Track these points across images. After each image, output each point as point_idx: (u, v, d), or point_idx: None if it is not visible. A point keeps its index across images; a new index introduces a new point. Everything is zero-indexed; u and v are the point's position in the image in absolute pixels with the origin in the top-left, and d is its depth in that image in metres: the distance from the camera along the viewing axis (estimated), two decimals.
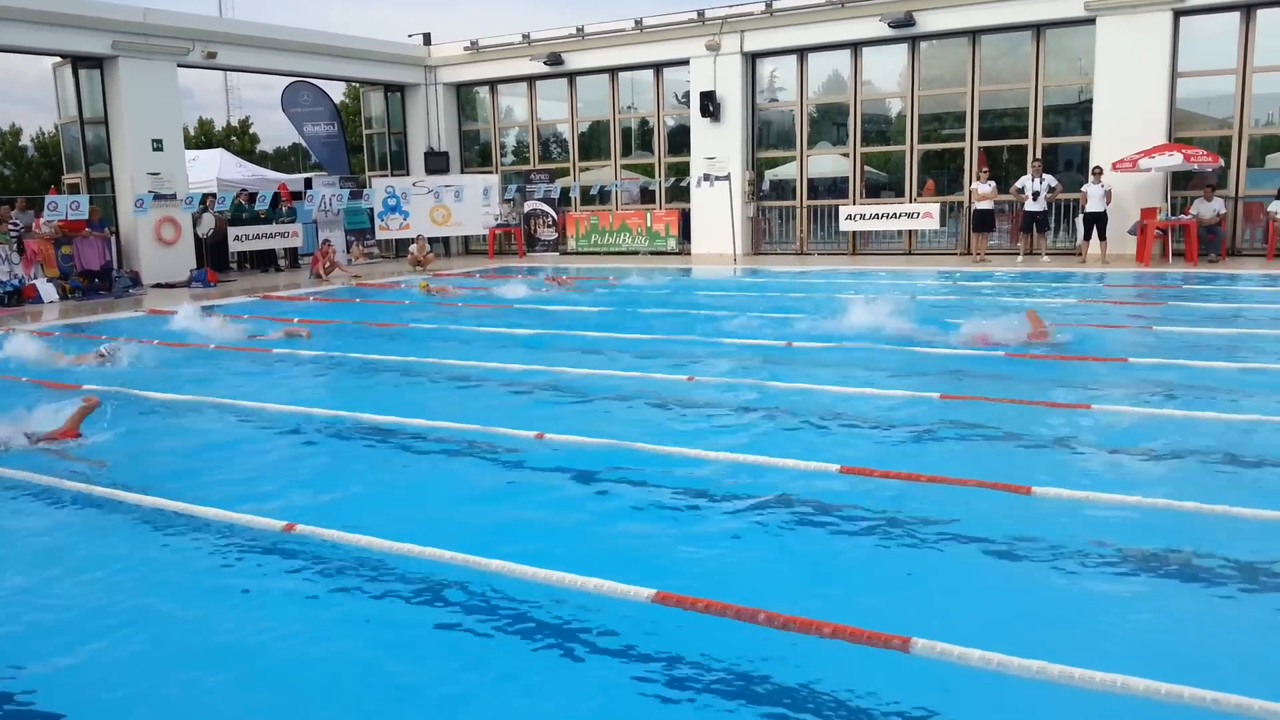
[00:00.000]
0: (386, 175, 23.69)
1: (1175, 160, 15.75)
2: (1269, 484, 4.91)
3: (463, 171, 24.12)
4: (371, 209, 21.98)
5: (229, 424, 6.71)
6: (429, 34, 23.91)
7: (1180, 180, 17.05)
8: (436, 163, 23.58)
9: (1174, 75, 16.86)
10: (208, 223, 18.84)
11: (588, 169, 23.40)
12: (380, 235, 22.77)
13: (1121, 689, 2.83)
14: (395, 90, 24.02)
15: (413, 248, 20.09)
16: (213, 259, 19.15)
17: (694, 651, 3.23)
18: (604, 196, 22.45)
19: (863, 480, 5.04)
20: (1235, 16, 16.48)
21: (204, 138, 45.31)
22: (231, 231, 19.41)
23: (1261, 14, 16.34)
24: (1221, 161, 16.38)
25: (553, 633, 3.42)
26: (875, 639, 3.16)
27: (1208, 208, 16.17)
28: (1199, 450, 5.45)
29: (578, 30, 21.89)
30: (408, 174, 23.94)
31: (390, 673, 3.22)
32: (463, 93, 24.56)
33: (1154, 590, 3.73)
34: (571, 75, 22.79)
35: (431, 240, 21.59)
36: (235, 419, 6.83)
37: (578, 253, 22.47)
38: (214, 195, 19.19)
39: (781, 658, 3.17)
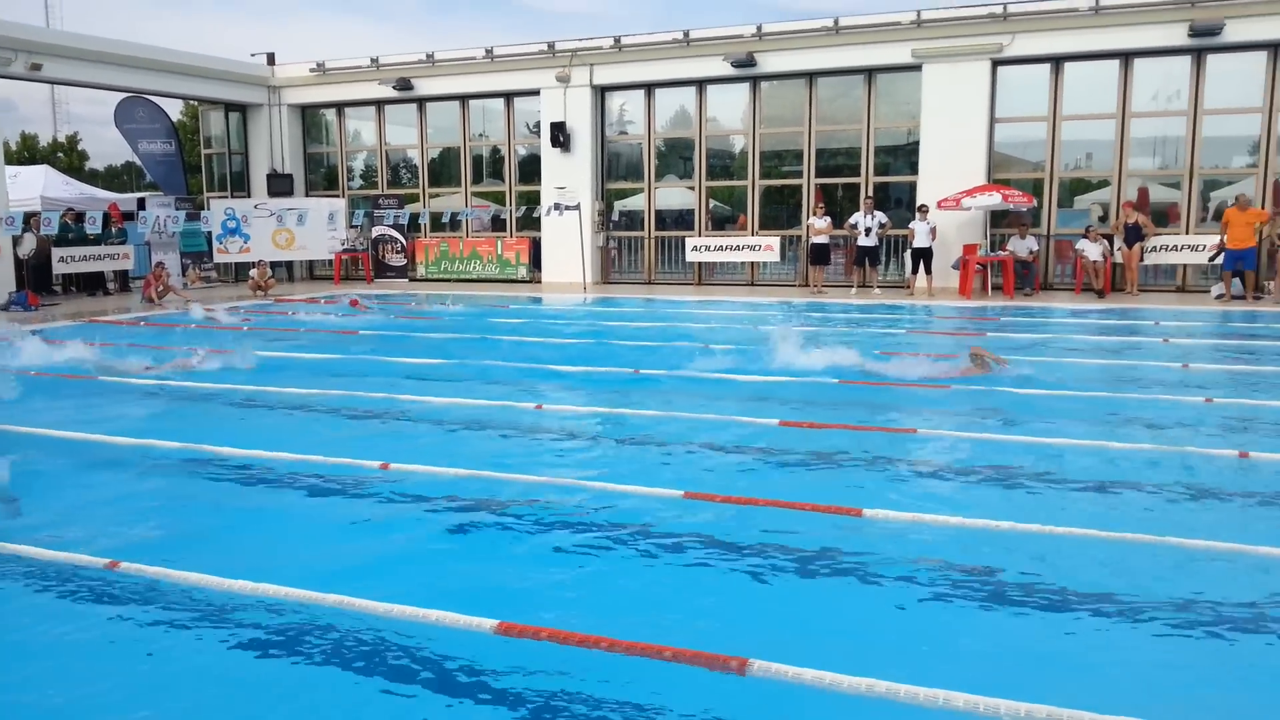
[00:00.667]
0: (226, 197, 22.85)
1: (994, 200, 16.88)
2: (1076, 504, 5.32)
3: (308, 195, 23.50)
4: (210, 231, 21.14)
5: (44, 455, 6.34)
6: (273, 54, 23.28)
7: (998, 219, 18.27)
8: (280, 185, 22.89)
9: (993, 120, 18.11)
10: (29, 243, 17.72)
11: (438, 195, 23.20)
12: (219, 259, 21.90)
13: (944, 704, 3.02)
14: (237, 109, 23.24)
15: (253, 272, 19.42)
16: (35, 281, 17.98)
17: (539, 682, 3.27)
18: (454, 223, 22.29)
19: (705, 505, 5.20)
20: (1046, 68, 17.85)
21: (27, 153, 42.58)
22: (56, 252, 18.29)
23: (1069, 66, 17.76)
24: (1035, 201, 17.66)
25: (396, 669, 3.40)
26: (714, 661, 3.28)
27: (1023, 245, 17.38)
28: (1016, 472, 5.86)
29: (428, 57, 21.75)
30: (249, 196, 23.15)
31: (225, 715, 3.13)
32: (308, 114, 23.97)
33: (980, 608, 3.96)
34: (421, 101, 22.60)
35: (274, 265, 20.93)
36: (48, 450, 6.46)
37: (427, 279, 22.20)
38: (38, 214, 18.07)
39: (625, 682, 3.25)
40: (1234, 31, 16.26)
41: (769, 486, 5.57)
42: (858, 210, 18.09)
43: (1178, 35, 16.55)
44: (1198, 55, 16.96)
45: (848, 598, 4.10)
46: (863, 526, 4.86)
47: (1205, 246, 16.59)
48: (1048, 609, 3.90)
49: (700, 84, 20.22)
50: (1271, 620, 3.72)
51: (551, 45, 20.61)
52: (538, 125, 21.37)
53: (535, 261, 21.68)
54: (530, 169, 22.05)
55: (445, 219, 21.84)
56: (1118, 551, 4.43)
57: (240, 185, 23.58)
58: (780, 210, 20.72)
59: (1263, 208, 16.26)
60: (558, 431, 7.10)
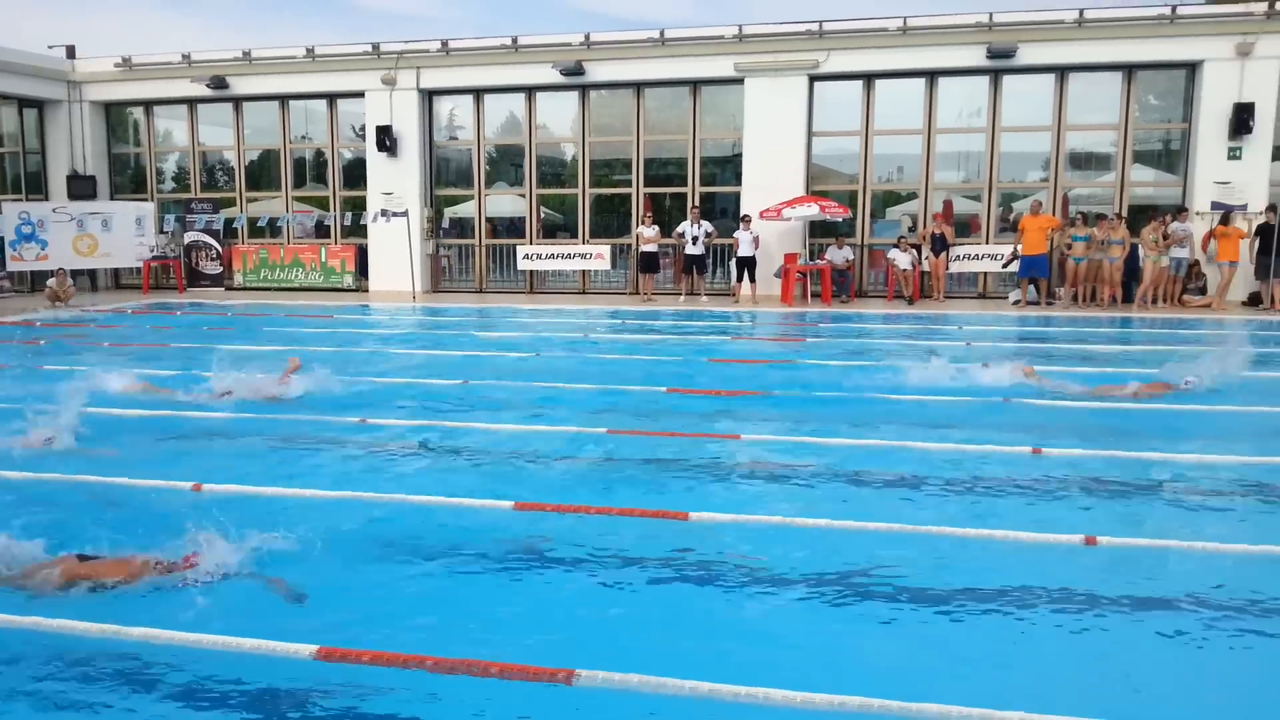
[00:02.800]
0: (21, 200, 21.19)
1: (813, 211, 17.59)
2: (885, 501, 5.61)
3: (113, 198, 22.09)
4: (2, 237, 19.55)
5: None
6: (73, 47, 21.78)
7: (817, 229, 19.04)
8: (82, 187, 21.44)
9: (810, 134, 18.87)
10: None
11: (256, 200, 22.26)
12: (12, 266, 20.24)
13: (764, 700, 3.14)
14: (32, 106, 21.63)
15: (52, 281, 18.06)
16: None
17: (362, 705, 3.21)
18: (274, 229, 21.45)
19: (536, 515, 5.21)
20: (859, 85, 18.74)
21: None
22: None
23: (880, 83, 18.72)
24: (850, 213, 18.51)
25: (217, 699, 3.26)
26: (541, 674, 3.30)
27: (839, 254, 18.20)
28: (834, 471, 6.14)
29: (245, 54, 20.85)
30: (47, 199, 21.57)
31: None
32: (113, 113, 22.54)
33: (804, 606, 4.11)
34: (238, 100, 21.64)
35: (76, 273, 19.57)
36: None
37: (245, 288, 21.26)
38: None
39: (455, 699, 3.23)
40: (1026, 55, 17.54)
41: (599, 494, 5.63)
42: (685, 220, 18.49)
43: (977, 56, 17.72)
44: (995, 76, 18.21)
45: (675, 601, 4.19)
46: (690, 529, 4.99)
47: (1002, 255, 17.80)
48: (875, 604, 4.09)
49: (530, 90, 20.21)
50: (1022, 603, 4.04)
51: (376, 46, 20.15)
52: (363, 128, 20.83)
53: (362, 270, 21.11)
54: (356, 173, 21.45)
55: (264, 224, 20.99)
56: (924, 542, 4.72)
57: (36, 187, 21.95)
58: (611, 219, 20.94)
59: (1054, 216, 17.56)
60: (384, 446, 6.94)
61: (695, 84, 19.40)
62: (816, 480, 6.02)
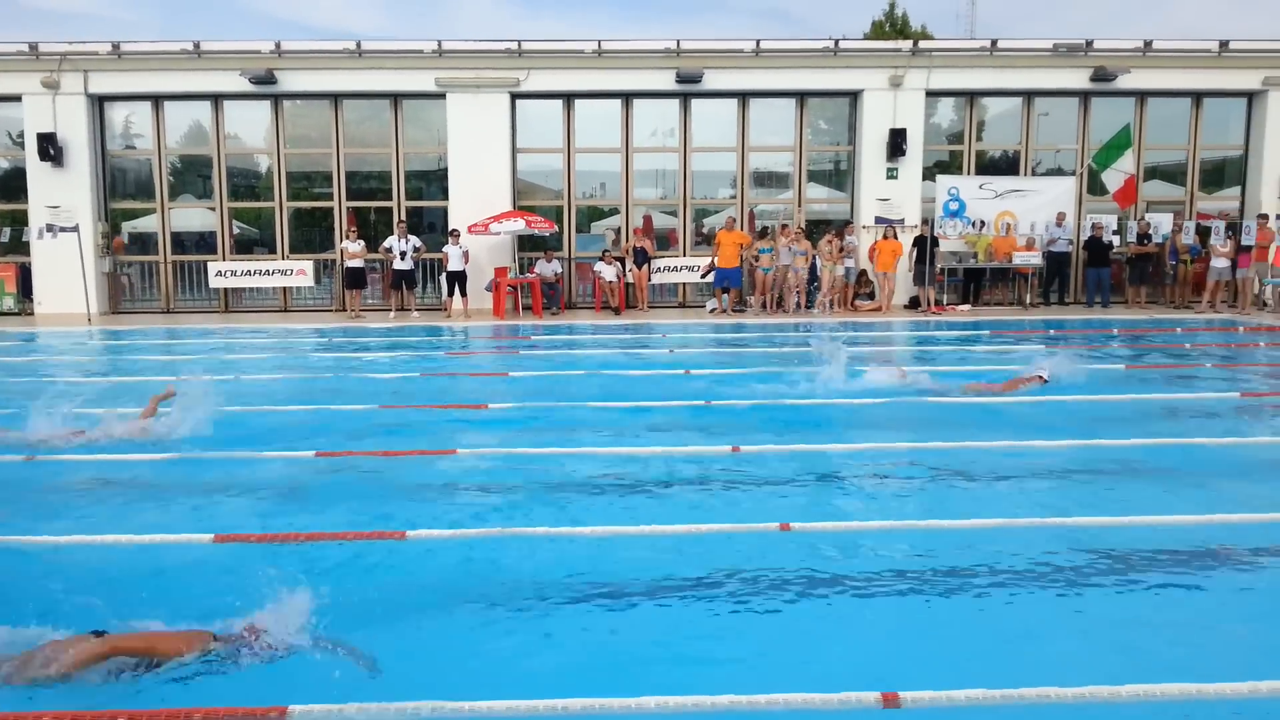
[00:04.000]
0: None
1: (519, 225, 17.83)
2: (598, 505, 5.82)
3: None
4: None
5: None
6: None
7: (525, 243, 19.33)
8: None
9: (514, 150, 19.13)
10: None
11: None
12: None
13: (469, 712, 3.19)
14: None
15: None
16: None
17: None
18: None
19: (237, 547, 4.96)
20: (560, 103, 19.24)
21: None
22: None
23: (580, 103, 19.31)
24: (556, 227, 18.94)
25: None
26: (252, 714, 3.17)
27: (548, 267, 18.57)
28: (539, 480, 6.29)
29: None
30: None
31: None
32: None
33: (541, 618, 4.14)
34: None
35: None
36: None
37: None
38: None
39: None
40: (712, 80, 18.76)
41: (306, 520, 5.43)
42: (392, 234, 18.13)
43: (668, 80, 18.72)
44: (685, 99, 19.32)
45: (394, 622, 4.14)
46: (406, 548, 4.94)
47: (699, 267, 18.91)
48: (595, 609, 4.24)
49: (216, 98, 19.04)
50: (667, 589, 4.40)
51: (35, 46, 18.21)
52: (21, 136, 18.73)
53: (26, 291, 18.95)
54: (15, 185, 19.22)
55: None
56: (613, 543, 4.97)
57: None
58: (313, 233, 20.13)
59: (743, 231, 18.87)
60: (67, 481, 6.31)
61: (396, 97, 19.10)
62: (531, 490, 6.14)
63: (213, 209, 19.53)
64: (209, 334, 15.79)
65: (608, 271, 18.54)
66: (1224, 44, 18.90)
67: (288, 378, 10.95)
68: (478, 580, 4.52)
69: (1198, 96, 19.55)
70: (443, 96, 18.74)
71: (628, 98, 19.27)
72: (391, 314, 18.30)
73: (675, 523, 5.27)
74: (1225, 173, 20.32)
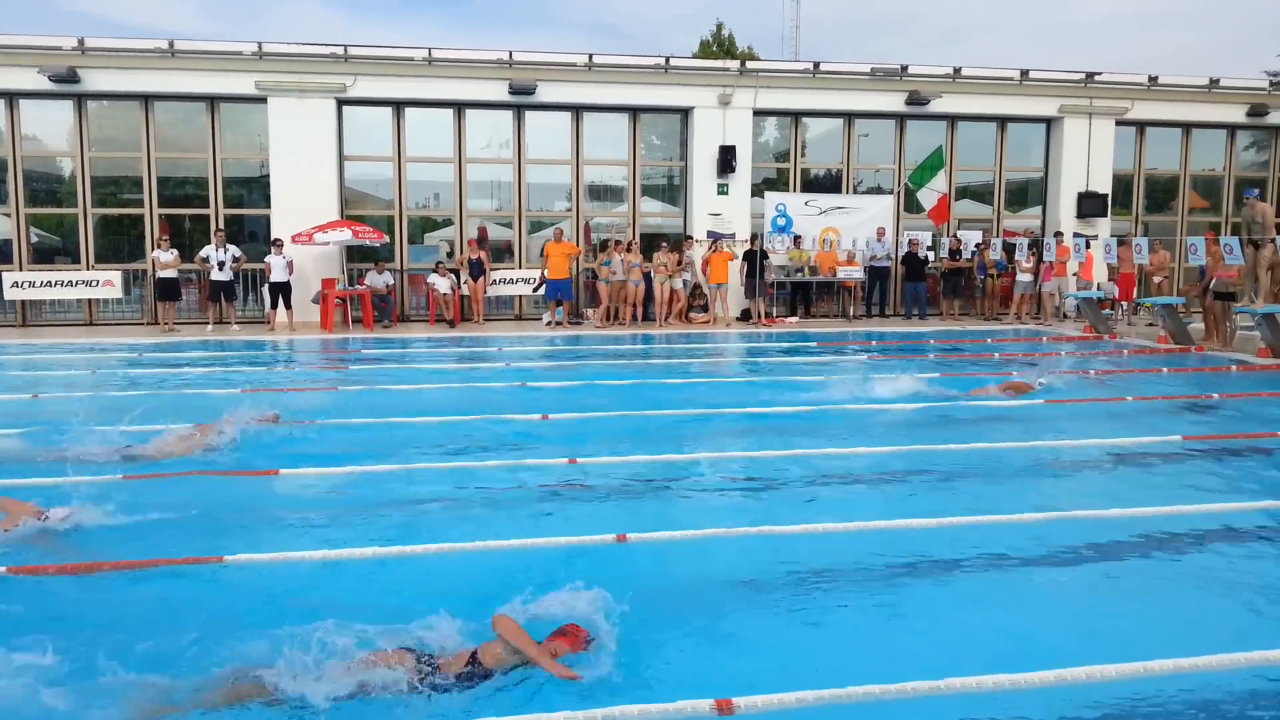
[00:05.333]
0: None
1: (346, 235, 17.26)
2: (434, 522, 5.65)
3: None
4: None
5: None
6: None
7: (355, 253, 18.74)
8: None
9: (342, 157, 18.54)
10: None
11: None
12: None
13: None
14: None
15: None
16: None
17: None
18: None
19: (32, 580, 4.55)
20: (389, 111, 18.78)
21: None
22: None
23: (410, 111, 18.91)
24: (386, 238, 18.44)
25: None
26: None
27: (379, 279, 18.04)
28: (381, 501, 6.06)
29: None
30: None
31: None
32: None
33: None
34: None
35: None
36: None
37: None
38: None
39: None
40: (545, 93, 18.72)
41: (112, 548, 5.04)
42: (210, 243, 17.21)
43: (500, 92, 18.57)
44: (519, 111, 19.20)
45: (217, 645, 3.88)
46: (226, 571, 4.67)
47: (534, 279, 18.80)
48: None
49: (11, 97, 17.62)
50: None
51: None
52: None
53: None
54: None
55: None
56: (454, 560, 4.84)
57: None
58: (121, 242, 18.87)
59: (576, 244, 18.88)
60: None
61: (213, 99, 18.18)
62: (362, 510, 5.91)
63: (8, 215, 18.03)
64: (4, 349, 14.54)
65: (442, 284, 18.18)
66: (1024, 73, 20.30)
67: (92, 394, 10.20)
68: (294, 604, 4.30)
69: (1002, 121, 20.91)
70: (264, 100, 17.96)
71: (460, 107, 18.99)
72: (209, 327, 17.35)
73: (513, 538, 5.18)
74: (1028, 193, 21.80)
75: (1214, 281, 14.80)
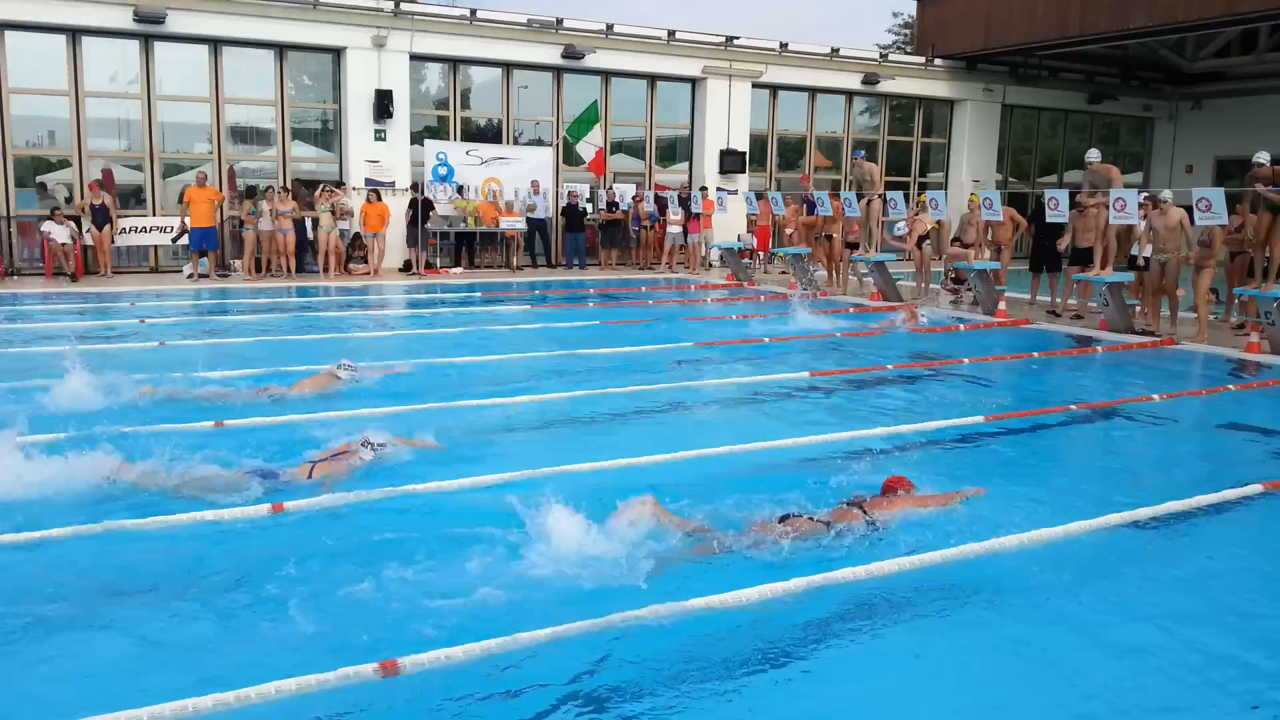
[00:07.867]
0: None
1: None
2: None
3: None
4: None
5: None
6: None
7: None
8: None
9: None
10: None
11: None
12: None
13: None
14: None
15: None
16: None
17: None
18: None
19: None
20: None
21: None
22: None
23: (12, 35, 16.48)
24: None
25: None
26: None
27: None
28: None
29: None
30: None
31: None
32: None
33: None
34: None
35: None
36: None
37: None
38: None
39: None
40: (177, 23, 17.02)
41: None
42: None
43: (125, 19, 16.67)
44: (146, 41, 17.33)
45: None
46: None
47: (173, 228, 17.25)
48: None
49: None
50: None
51: None
52: None
53: None
54: None
55: None
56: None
57: None
58: None
59: (219, 190, 17.48)
60: None
61: None
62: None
63: None
64: None
65: (60, 233, 16.15)
66: (671, 33, 21.29)
67: None
68: None
69: (653, 79, 21.84)
70: None
71: (74, 33, 16.83)
72: None
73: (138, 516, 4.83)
74: (677, 149, 23.01)
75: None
